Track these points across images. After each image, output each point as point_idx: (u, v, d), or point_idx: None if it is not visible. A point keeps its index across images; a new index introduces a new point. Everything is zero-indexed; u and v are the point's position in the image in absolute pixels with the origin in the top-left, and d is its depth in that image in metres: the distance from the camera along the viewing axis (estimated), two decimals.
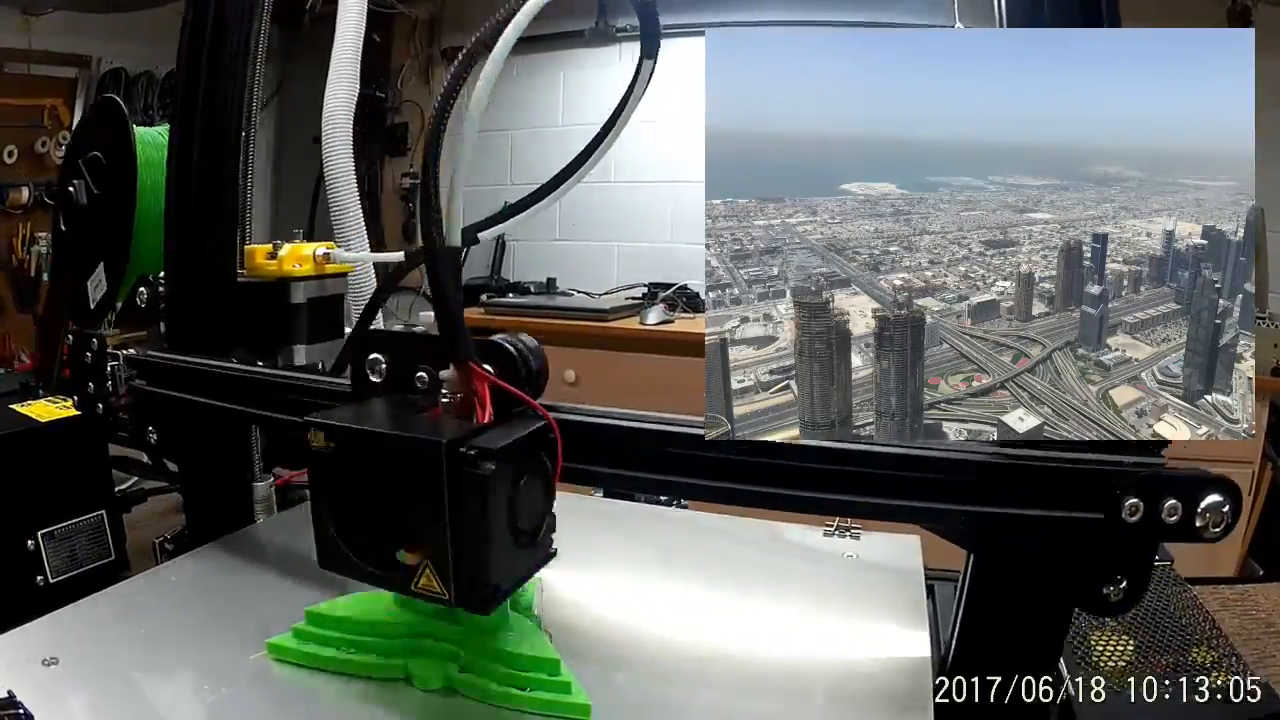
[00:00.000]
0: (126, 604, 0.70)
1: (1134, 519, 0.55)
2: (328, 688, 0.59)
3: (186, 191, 0.88)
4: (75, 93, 3.26)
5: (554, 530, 0.57)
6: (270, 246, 0.89)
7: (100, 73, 3.27)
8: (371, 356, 0.60)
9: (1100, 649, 0.71)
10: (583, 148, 0.68)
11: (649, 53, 0.63)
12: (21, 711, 0.50)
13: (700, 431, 0.60)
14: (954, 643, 0.65)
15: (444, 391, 0.55)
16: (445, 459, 0.48)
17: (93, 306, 0.98)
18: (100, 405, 0.89)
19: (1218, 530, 0.54)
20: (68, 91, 3.25)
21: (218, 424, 0.88)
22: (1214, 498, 0.54)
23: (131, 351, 0.88)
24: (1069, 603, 0.59)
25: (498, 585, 0.52)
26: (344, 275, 0.96)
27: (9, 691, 0.52)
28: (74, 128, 3.24)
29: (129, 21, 3.24)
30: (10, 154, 3.11)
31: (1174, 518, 0.55)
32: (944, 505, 0.58)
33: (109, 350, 0.88)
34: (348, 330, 0.98)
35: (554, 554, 0.57)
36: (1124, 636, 0.72)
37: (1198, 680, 0.65)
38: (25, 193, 3.16)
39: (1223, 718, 0.63)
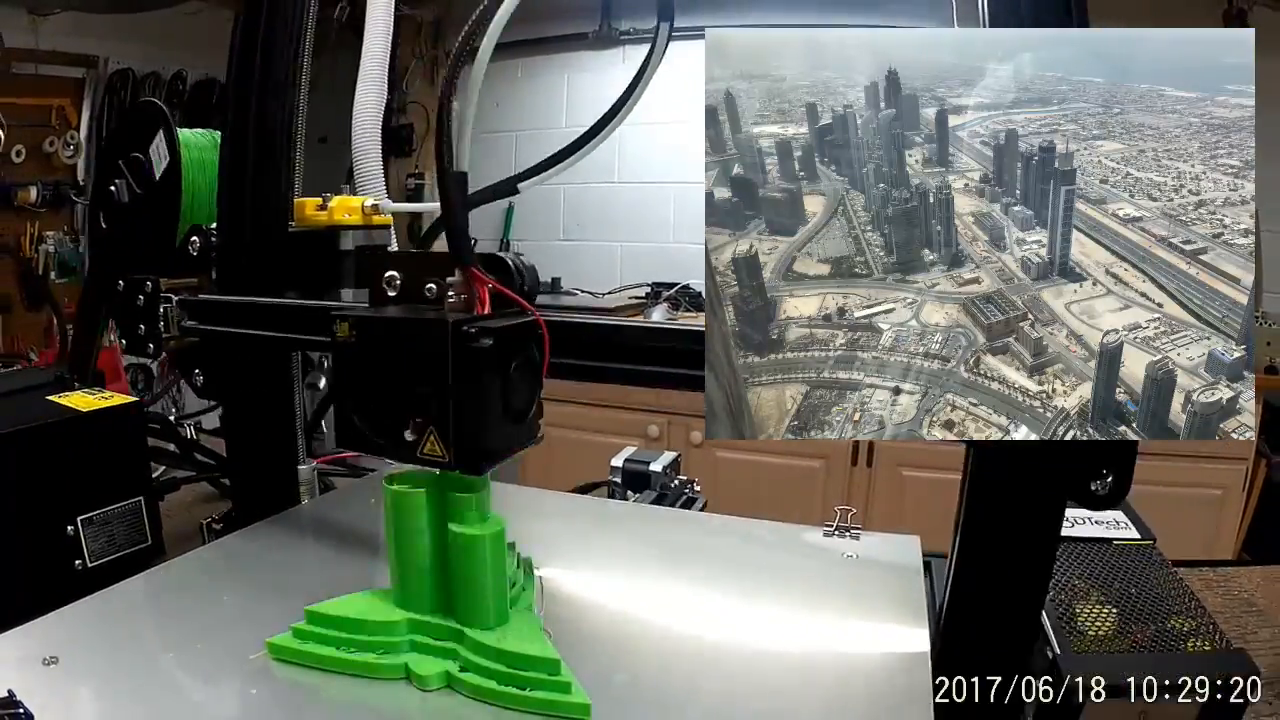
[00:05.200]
0: (128, 602, 0.70)
1: None
2: (327, 687, 0.60)
3: (240, 183, 0.91)
4: (83, 93, 3.28)
5: (541, 417, 0.66)
6: (319, 199, 0.93)
7: (108, 73, 3.28)
8: (388, 274, 0.67)
9: (1084, 617, 0.73)
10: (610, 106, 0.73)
11: (664, 15, 0.68)
12: (21, 711, 0.51)
13: (690, 328, 0.69)
14: (954, 559, 0.67)
15: (450, 294, 0.64)
16: (451, 335, 0.57)
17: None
18: (151, 346, 0.91)
19: None
20: (75, 92, 3.26)
21: (269, 361, 0.93)
22: None
23: (183, 296, 0.90)
24: (1060, 494, 0.64)
25: (492, 450, 0.61)
26: (388, 227, 0.99)
27: (9, 691, 0.52)
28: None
29: (137, 22, 3.26)
30: (19, 153, 3.13)
31: None
32: None
33: (162, 294, 0.90)
34: None
35: (541, 438, 0.66)
36: (1107, 607, 0.73)
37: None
38: (34, 192, 3.17)
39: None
